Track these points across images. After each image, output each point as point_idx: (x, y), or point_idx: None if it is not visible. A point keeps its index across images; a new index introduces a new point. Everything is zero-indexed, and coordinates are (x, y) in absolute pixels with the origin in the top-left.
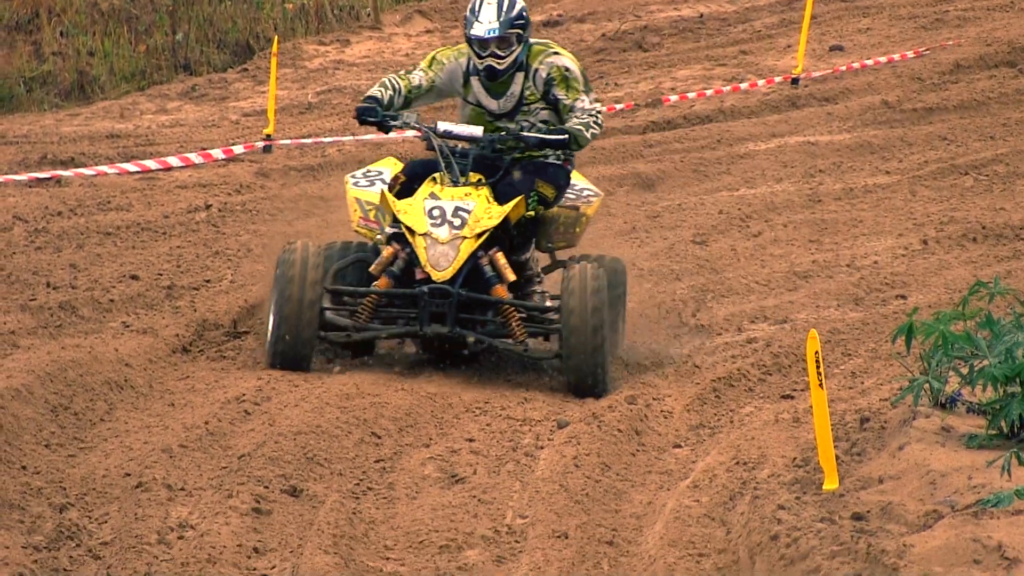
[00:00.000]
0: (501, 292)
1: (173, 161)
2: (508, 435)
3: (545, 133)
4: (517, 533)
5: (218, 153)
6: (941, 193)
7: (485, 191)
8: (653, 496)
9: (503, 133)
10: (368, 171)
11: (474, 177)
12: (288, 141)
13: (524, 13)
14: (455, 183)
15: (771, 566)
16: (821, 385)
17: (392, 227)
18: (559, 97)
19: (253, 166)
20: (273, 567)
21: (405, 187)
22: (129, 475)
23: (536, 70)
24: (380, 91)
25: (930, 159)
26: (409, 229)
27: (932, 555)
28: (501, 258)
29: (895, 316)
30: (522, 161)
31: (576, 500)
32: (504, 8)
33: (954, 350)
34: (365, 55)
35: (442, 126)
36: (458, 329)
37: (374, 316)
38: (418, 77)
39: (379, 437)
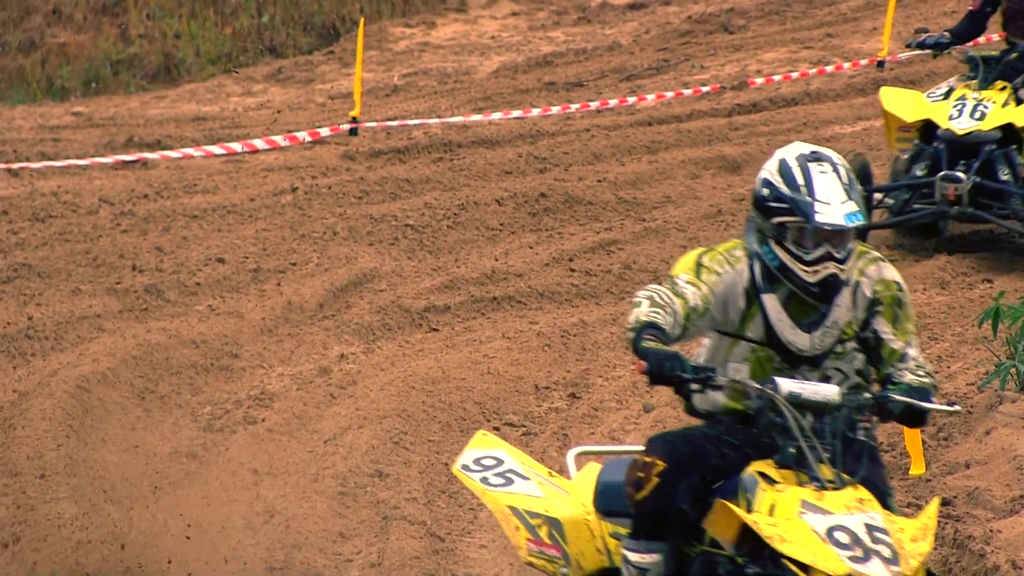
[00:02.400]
0: None
1: (259, 144)
2: (594, 419)
3: (909, 394)
4: None
5: (304, 136)
6: None
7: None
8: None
9: (866, 395)
10: (479, 459)
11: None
12: (374, 123)
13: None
14: (819, 482)
15: None
16: None
17: None
18: (883, 335)
19: (339, 148)
20: (359, 552)
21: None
22: (216, 458)
23: (858, 284)
24: (659, 315)
25: None
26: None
27: (1019, 541)
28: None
29: (981, 300)
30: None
31: None
32: (849, 178)
33: None
34: (451, 37)
35: (785, 384)
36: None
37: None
38: (691, 293)
39: (464, 422)
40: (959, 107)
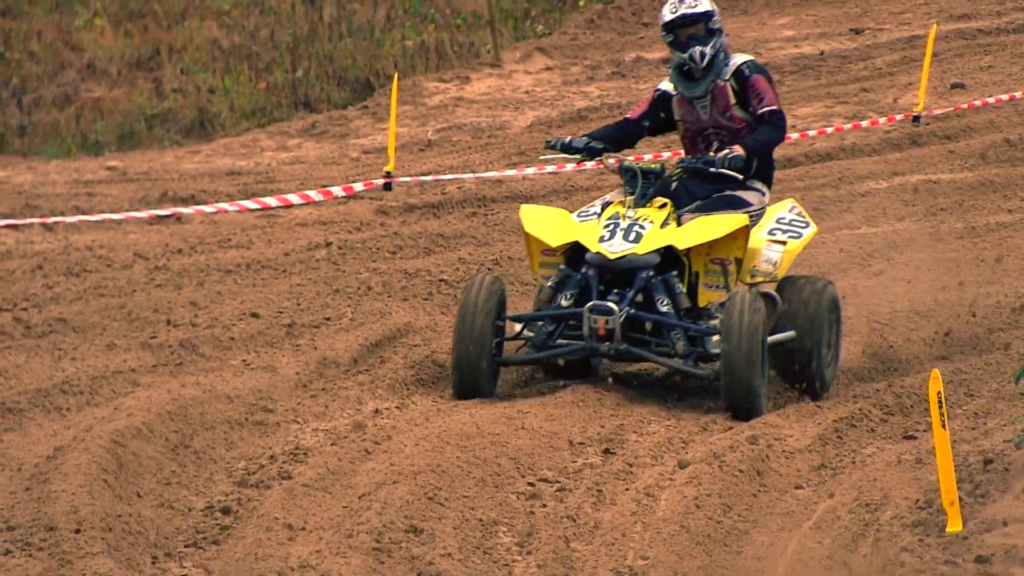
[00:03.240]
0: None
1: (293, 198)
2: (629, 475)
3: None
4: (639, 574)
5: (338, 190)
6: None
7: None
8: (775, 537)
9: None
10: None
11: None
12: (408, 178)
13: None
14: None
15: None
16: (944, 426)
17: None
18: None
19: (373, 203)
20: None
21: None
22: (250, 514)
23: None
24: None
25: None
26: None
27: None
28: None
29: (1018, 356)
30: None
31: (697, 541)
32: None
33: None
34: (485, 92)
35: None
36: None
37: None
38: None
39: (499, 477)
40: (611, 228)
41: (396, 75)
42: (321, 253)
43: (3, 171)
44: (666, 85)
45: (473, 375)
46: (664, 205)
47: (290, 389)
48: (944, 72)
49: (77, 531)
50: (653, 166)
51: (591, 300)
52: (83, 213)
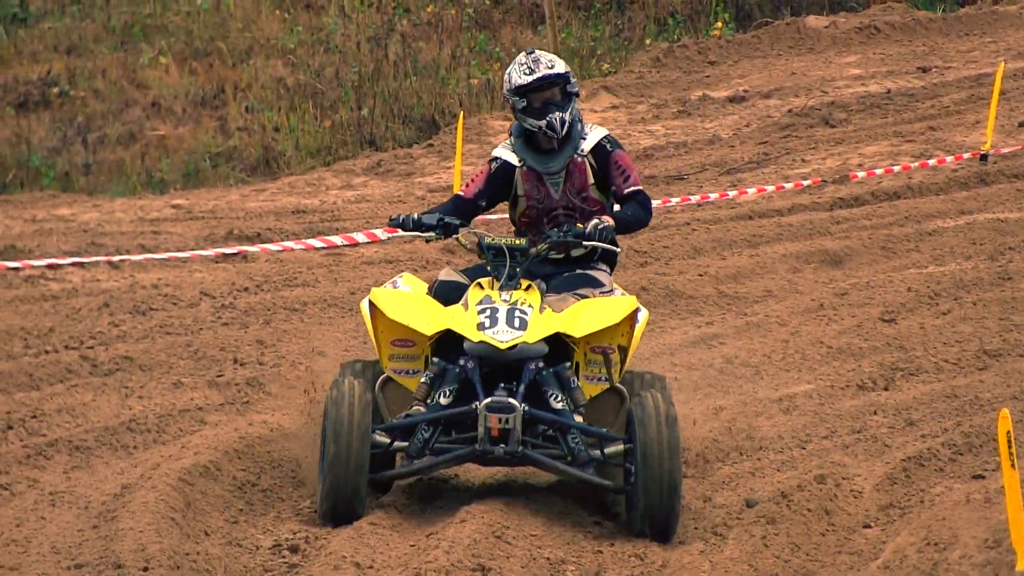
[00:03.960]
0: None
1: (359, 236)
2: (698, 514)
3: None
4: None
5: None
6: None
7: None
8: None
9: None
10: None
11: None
12: None
13: None
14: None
15: None
16: (1013, 465)
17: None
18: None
19: (438, 241)
20: None
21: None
22: (318, 552)
23: None
24: None
25: None
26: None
27: None
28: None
29: None
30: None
31: None
32: None
33: None
34: None
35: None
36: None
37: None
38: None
39: (565, 516)
40: (488, 313)
41: (461, 113)
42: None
43: (69, 209)
44: (506, 154)
45: (350, 502)
46: (530, 287)
47: None
48: (1012, 110)
49: (145, 569)
50: (518, 243)
51: (480, 397)
52: (149, 251)
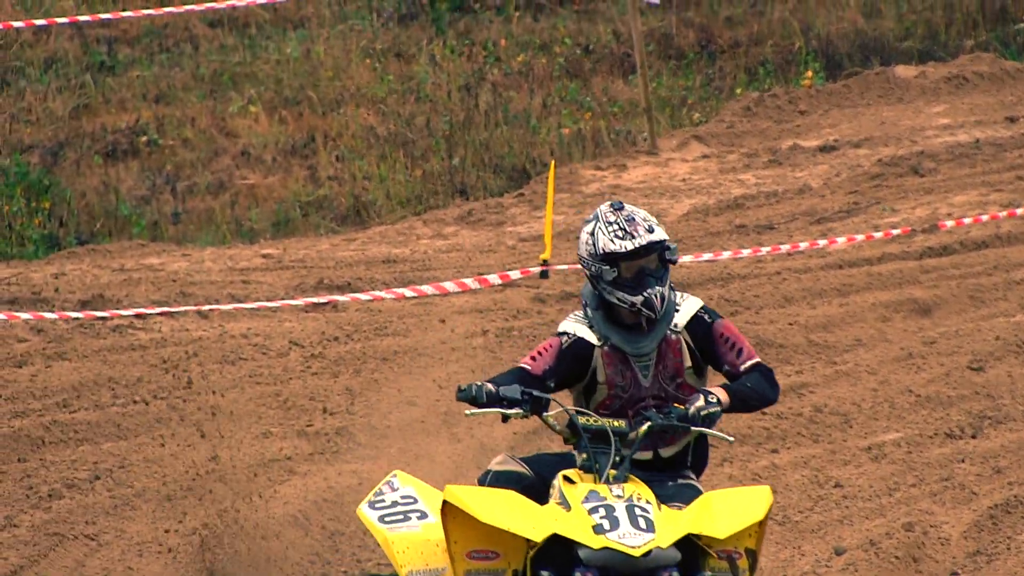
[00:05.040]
0: None
1: (449, 286)
2: (786, 562)
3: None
4: None
5: (495, 278)
6: None
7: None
8: None
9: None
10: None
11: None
12: (565, 267)
13: None
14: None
15: None
16: None
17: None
18: None
19: (530, 291)
20: None
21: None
22: None
23: None
24: None
25: None
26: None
27: None
28: None
29: None
30: None
31: None
32: None
33: None
34: (642, 180)
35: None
36: None
37: None
38: None
39: None
40: (603, 512)
41: (552, 163)
42: (478, 341)
43: (158, 259)
44: (581, 330)
45: None
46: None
47: (449, 478)
48: None
49: None
50: (619, 424)
51: None
52: (238, 301)
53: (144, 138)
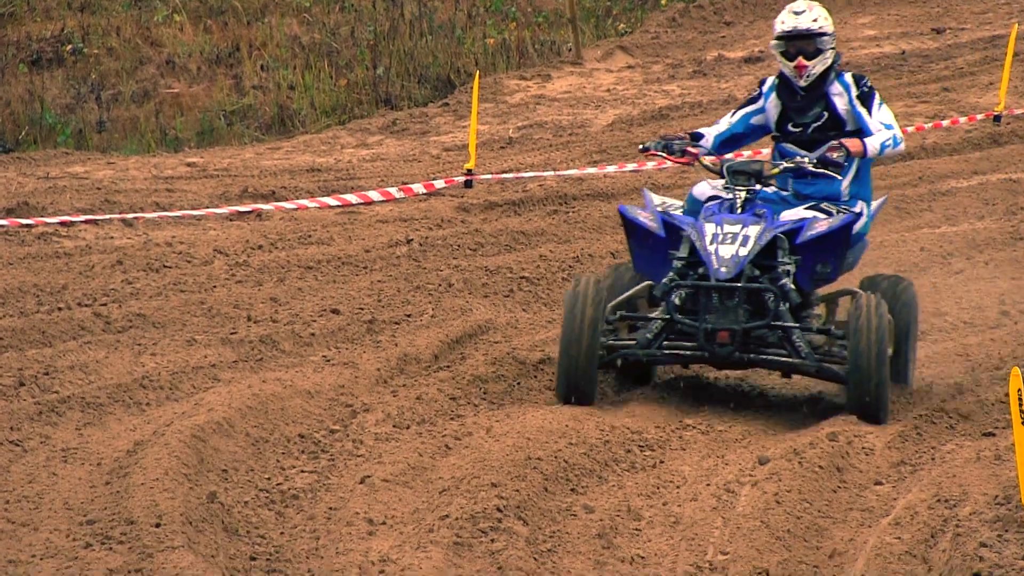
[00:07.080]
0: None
1: (374, 195)
2: (709, 471)
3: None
4: (718, 569)
5: (419, 187)
6: None
7: None
8: (855, 533)
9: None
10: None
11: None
12: (489, 176)
13: None
14: None
15: None
16: (1023, 423)
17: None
18: None
19: (454, 200)
20: None
21: None
22: (331, 508)
23: None
24: None
25: None
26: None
27: None
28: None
29: None
30: None
31: (777, 536)
32: None
33: None
34: (566, 90)
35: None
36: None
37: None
38: None
39: (576, 474)
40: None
41: (477, 73)
42: (402, 250)
43: (83, 167)
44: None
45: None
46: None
47: (371, 385)
48: None
49: (157, 525)
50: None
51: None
52: (163, 209)
53: (69, 47)
